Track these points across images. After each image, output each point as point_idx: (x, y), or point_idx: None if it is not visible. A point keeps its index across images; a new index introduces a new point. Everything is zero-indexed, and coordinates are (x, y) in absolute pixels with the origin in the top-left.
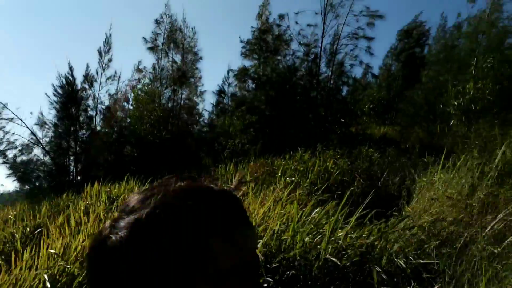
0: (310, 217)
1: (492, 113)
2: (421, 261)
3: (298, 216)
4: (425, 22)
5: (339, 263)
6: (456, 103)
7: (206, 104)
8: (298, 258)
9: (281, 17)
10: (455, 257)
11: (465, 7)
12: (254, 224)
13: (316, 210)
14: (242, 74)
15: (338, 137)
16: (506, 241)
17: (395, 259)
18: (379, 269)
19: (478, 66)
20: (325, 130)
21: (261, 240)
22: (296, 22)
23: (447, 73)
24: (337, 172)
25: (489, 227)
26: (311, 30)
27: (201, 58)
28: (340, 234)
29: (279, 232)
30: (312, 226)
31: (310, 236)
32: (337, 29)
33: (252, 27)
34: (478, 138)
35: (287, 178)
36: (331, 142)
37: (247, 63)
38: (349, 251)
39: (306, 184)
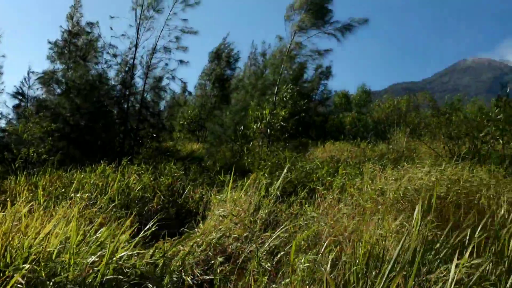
0: (94, 237)
1: (285, 138)
2: (206, 277)
3: (82, 236)
4: (232, 44)
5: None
6: (255, 127)
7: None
8: (71, 280)
9: (90, 24)
10: (237, 272)
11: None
12: (27, 244)
13: (102, 229)
14: (47, 78)
15: (149, 152)
16: (277, 256)
17: (183, 276)
18: None
19: (279, 95)
20: (135, 144)
21: (26, 265)
22: (111, 28)
23: (252, 98)
24: (139, 187)
25: (267, 244)
26: (127, 40)
27: (3, 55)
28: (124, 253)
29: (57, 254)
30: (96, 246)
31: (93, 256)
32: (155, 42)
33: (61, 26)
34: (272, 160)
35: (82, 194)
36: (138, 156)
37: (56, 66)
38: (129, 271)
39: (104, 200)
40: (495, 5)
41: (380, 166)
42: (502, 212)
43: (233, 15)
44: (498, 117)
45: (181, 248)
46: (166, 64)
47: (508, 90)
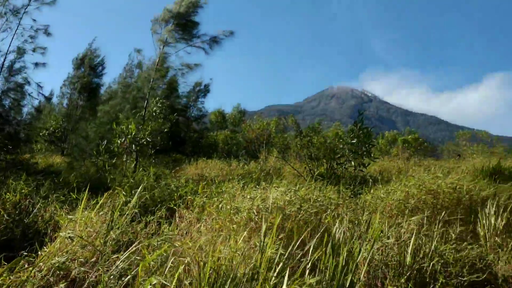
0: None
1: (151, 154)
2: None
3: None
4: (98, 50)
5: None
6: (119, 141)
7: None
8: None
9: None
10: None
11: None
12: None
13: None
14: None
15: (2, 164)
16: (125, 280)
17: None
18: None
19: (149, 109)
20: None
21: None
22: None
23: (121, 111)
24: None
25: (114, 267)
26: None
27: None
28: None
29: None
30: None
31: None
32: (10, 43)
33: None
34: (137, 176)
35: None
36: None
37: None
38: None
39: None
40: (357, 37)
41: (241, 185)
42: (343, 230)
43: (107, 20)
44: (352, 141)
45: (19, 274)
46: (21, 67)
47: (362, 118)
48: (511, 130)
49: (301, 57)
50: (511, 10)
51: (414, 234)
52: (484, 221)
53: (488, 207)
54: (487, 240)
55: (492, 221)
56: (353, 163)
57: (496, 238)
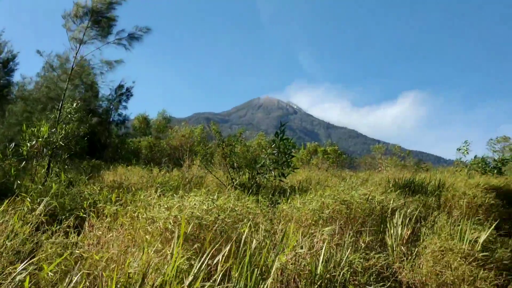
0: None
1: (65, 159)
2: None
3: None
4: (8, 43)
5: None
6: (28, 144)
7: None
8: None
9: None
10: None
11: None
12: None
13: None
14: None
15: None
16: None
17: None
18: None
19: (64, 111)
20: None
21: None
22: None
23: (32, 113)
24: None
25: (10, 279)
26: None
27: None
28: None
29: None
30: None
31: None
32: None
33: None
34: (49, 182)
35: None
36: None
37: None
38: None
39: None
40: (285, 50)
41: (158, 194)
42: (258, 240)
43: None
44: (274, 152)
45: None
46: None
47: (284, 129)
48: (420, 144)
49: (230, 67)
50: (423, 33)
51: (326, 243)
52: (391, 231)
53: (396, 217)
54: (394, 249)
55: (399, 231)
56: (273, 173)
57: (402, 247)
